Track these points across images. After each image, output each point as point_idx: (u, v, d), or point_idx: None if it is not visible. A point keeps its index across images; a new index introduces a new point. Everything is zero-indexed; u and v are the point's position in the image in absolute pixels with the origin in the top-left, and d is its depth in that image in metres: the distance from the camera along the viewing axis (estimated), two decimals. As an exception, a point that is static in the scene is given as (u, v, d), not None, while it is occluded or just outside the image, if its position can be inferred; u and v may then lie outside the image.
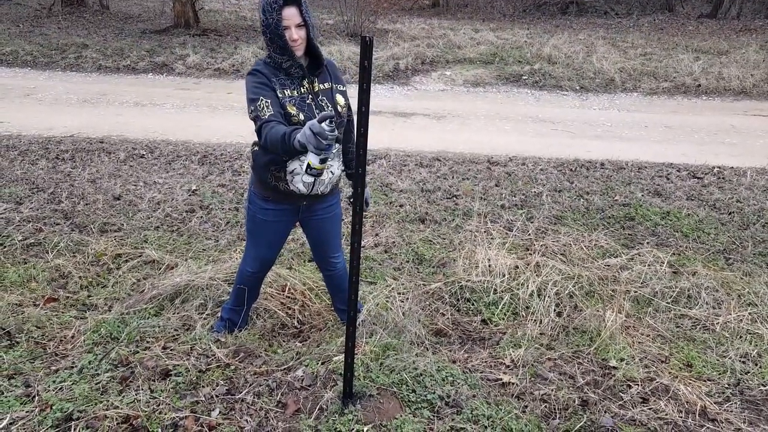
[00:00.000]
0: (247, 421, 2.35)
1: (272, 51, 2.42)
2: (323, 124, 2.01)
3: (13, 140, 6.43)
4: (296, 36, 2.36)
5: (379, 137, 6.86)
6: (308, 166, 2.18)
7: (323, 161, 2.15)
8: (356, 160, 2.05)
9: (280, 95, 2.42)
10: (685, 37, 14.95)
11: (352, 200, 2.16)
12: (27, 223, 4.33)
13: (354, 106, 2.28)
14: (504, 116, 8.53)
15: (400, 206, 4.97)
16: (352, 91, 2.05)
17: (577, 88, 10.39)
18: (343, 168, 2.78)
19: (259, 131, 2.36)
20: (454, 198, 5.21)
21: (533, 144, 7.14)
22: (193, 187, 5.23)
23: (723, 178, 5.99)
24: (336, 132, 2.03)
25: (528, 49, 12.71)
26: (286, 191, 2.59)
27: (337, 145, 2.57)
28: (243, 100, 2.53)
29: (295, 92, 2.47)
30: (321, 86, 2.54)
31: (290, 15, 2.34)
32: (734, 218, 4.93)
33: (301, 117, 2.44)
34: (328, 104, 2.53)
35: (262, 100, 2.37)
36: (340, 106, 2.59)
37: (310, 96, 2.50)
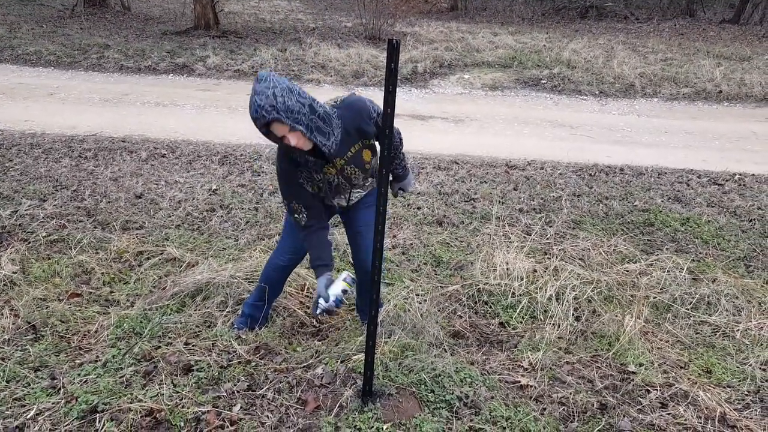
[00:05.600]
0: (268, 416, 2.38)
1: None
2: (331, 301, 2.51)
3: (38, 138, 6.54)
4: (294, 142, 2.26)
5: (397, 140, 6.87)
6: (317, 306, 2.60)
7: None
8: (380, 160, 2.08)
9: (307, 187, 2.58)
10: (706, 42, 14.80)
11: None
12: (51, 219, 4.41)
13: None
14: (523, 120, 8.52)
15: (418, 209, 4.99)
16: (378, 95, 2.07)
17: (597, 92, 10.34)
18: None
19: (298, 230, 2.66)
20: (472, 201, 5.22)
21: (552, 148, 7.12)
22: (214, 187, 5.29)
23: (744, 185, 5.93)
24: (342, 305, 2.56)
25: (547, 53, 12.67)
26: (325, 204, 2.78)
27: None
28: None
29: (321, 174, 2.53)
30: (345, 157, 2.51)
31: (278, 129, 2.23)
32: (755, 226, 4.88)
33: (328, 194, 2.66)
34: (356, 170, 2.57)
35: (294, 203, 2.57)
36: (368, 164, 2.59)
37: (333, 176, 2.56)
